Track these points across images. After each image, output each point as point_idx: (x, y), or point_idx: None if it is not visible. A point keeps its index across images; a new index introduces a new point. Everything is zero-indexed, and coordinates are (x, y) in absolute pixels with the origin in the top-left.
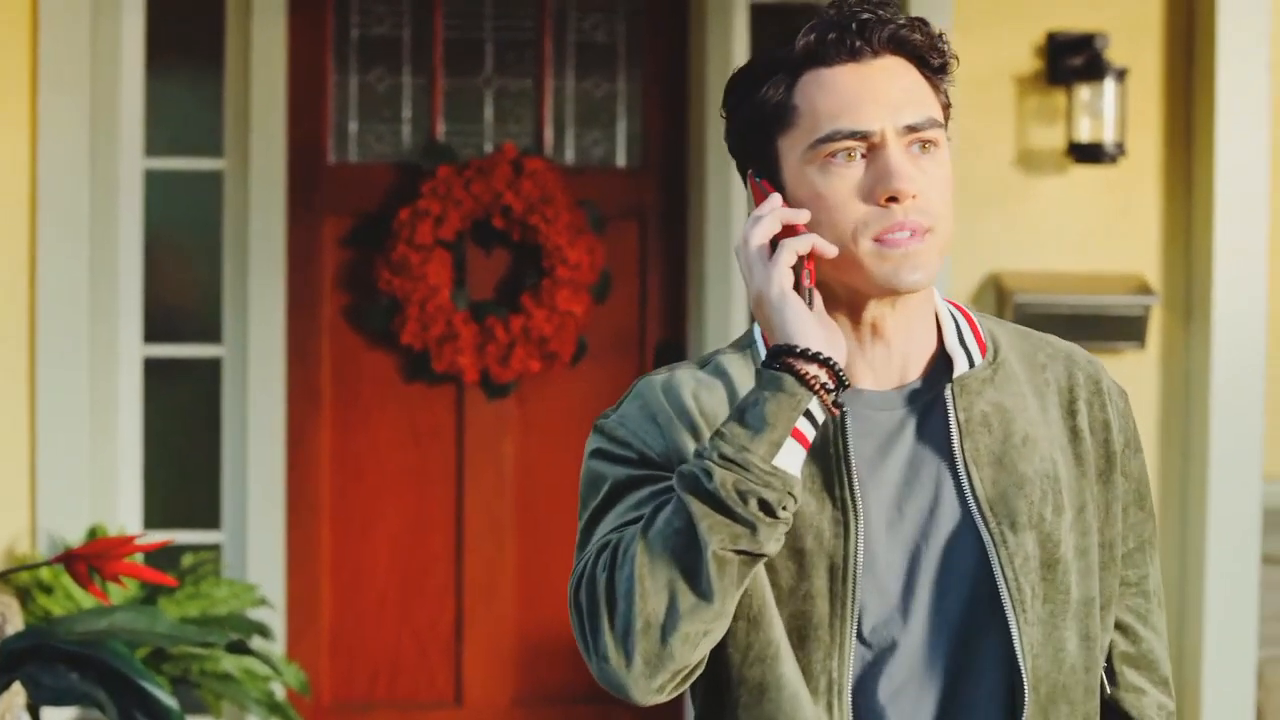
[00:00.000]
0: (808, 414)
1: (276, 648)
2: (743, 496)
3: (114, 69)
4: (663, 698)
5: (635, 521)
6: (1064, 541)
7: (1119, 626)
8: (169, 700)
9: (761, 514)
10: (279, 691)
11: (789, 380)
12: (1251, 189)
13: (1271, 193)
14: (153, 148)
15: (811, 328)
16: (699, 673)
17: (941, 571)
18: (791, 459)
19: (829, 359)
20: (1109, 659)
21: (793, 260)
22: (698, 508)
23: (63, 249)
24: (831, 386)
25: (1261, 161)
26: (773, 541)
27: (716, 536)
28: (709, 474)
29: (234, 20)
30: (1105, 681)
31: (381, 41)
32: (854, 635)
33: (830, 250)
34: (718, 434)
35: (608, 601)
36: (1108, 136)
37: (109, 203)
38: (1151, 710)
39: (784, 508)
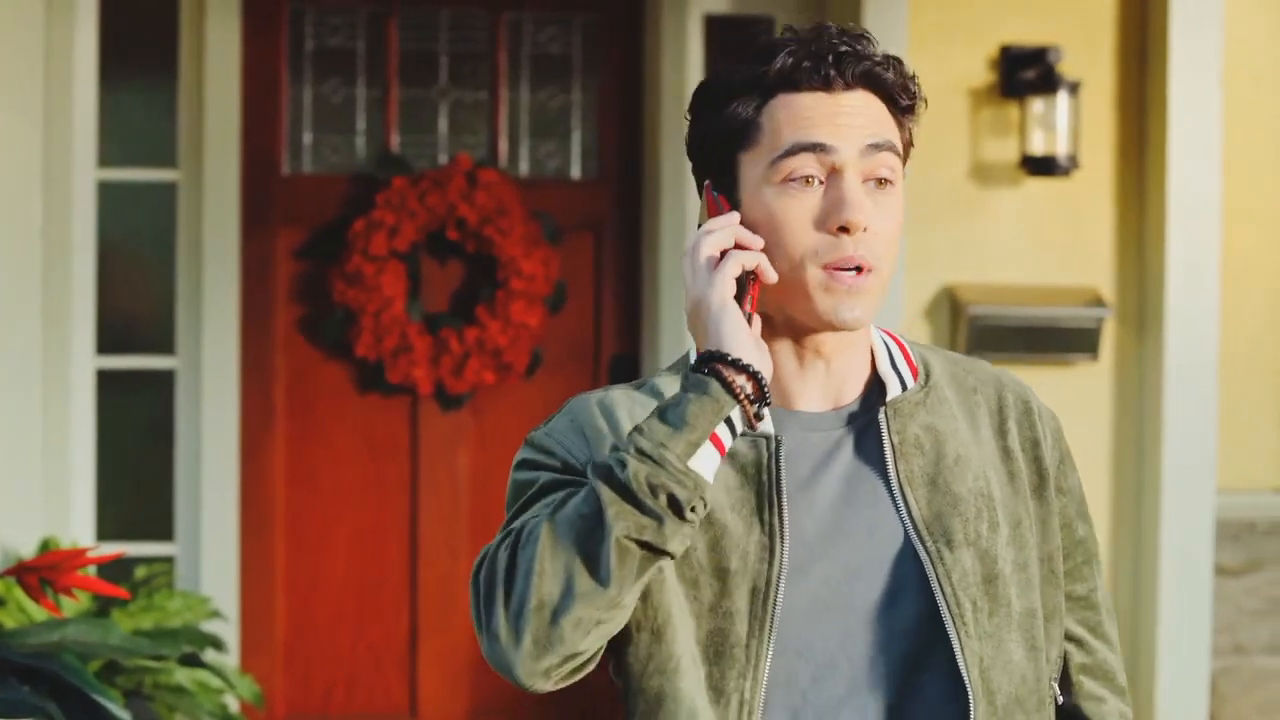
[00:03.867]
0: (728, 422)
1: (230, 660)
2: (653, 490)
3: (67, 80)
4: (549, 685)
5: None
6: (1001, 556)
7: (1072, 639)
8: (122, 713)
9: (670, 510)
10: (233, 704)
11: (714, 385)
12: (1204, 202)
13: (1224, 206)
14: (106, 159)
15: (745, 340)
16: (590, 668)
17: (884, 589)
18: (706, 463)
19: (756, 371)
20: (1066, 671)
21: (738, 271)
22: (607, 494)
23: (15, 260)
24: (755, 398)
25: (1214, 175)
26: (677, 540)
27: (621, 523)
28: (623, 464)
29: (188, 31)
30: (1059, 693)
31: (336, 53)
32: (769, 658)
33: (772, 276)
34: (637, 429)
35: (505, 579)
36: (1061, 149)
37: (62, 214)
38: (1113, 717)
39: (693, 509)
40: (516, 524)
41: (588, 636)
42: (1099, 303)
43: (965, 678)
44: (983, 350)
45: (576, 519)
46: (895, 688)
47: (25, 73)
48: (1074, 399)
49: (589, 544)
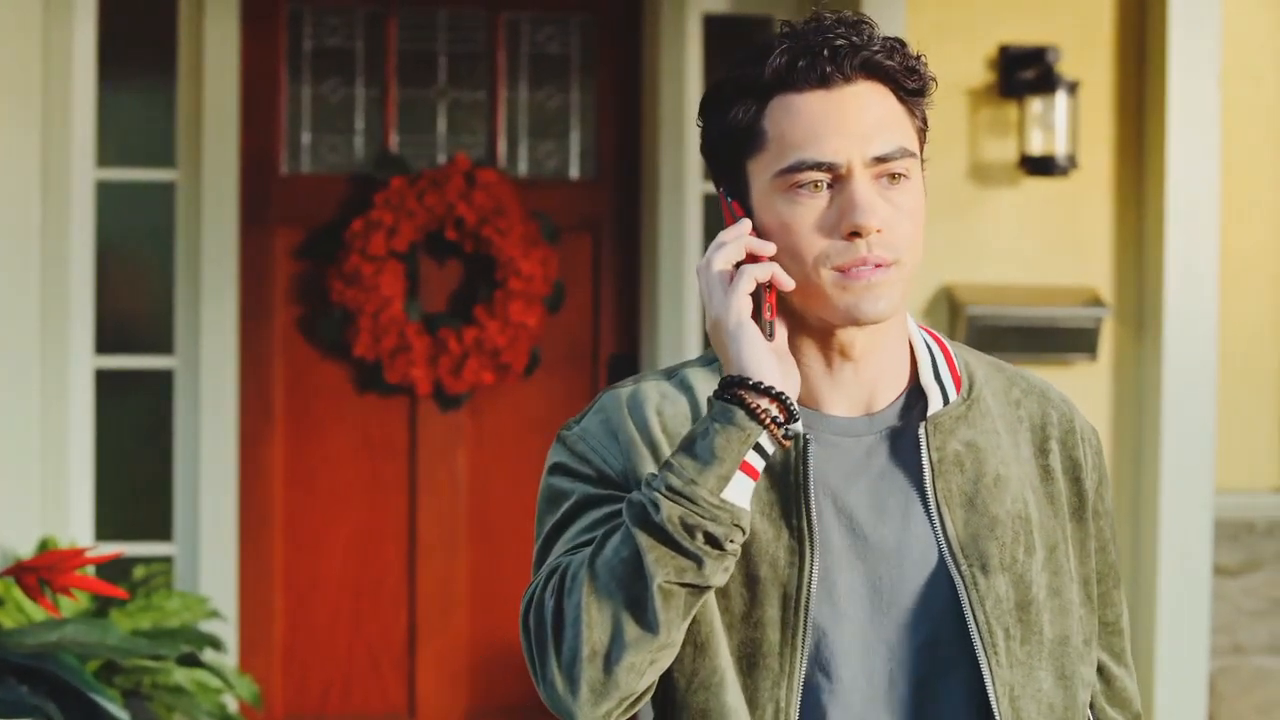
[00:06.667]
0: (758, 446)
1: (229, 660)
2: (689, 530)
3: (66, 79)
4: None
5: (589, 544)
6: (1036, 582)
7: (1097, 666)
8: (120, 713)
9: (708, 547)
10: (231, 704)
11: (739, 414)
12: (1202, 202)
13: (1222, 206)
14: (105, 159)
15: (766, 360)
16: (647, 698)
17: (909, 606)
18: (740, 491)
19: (780, 393)
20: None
21: (751, 288)
22: (644, 540)
23: (14, 259)
24: (782, 420)
25: (1212, 175)
26: (720, 573)
27: (662, 570)
28: (656, 506)
29: (187, 31)
30: None
31: (335, 53)
32: (803, 666)
33: (788, 283)
34: (666, 465)
35: (554, 628)
36: (1059, 149)
37: (61, 213)
38: None
39: (731, 540)
40: (559, 562)
41: (642, 678)
42: (1097, 302)
43: (995, 708)
44: (980, 351)
45: (617, 564)
46: (916, 706)
47: (24, 73)
48: (1072, 399)
49: (632, 590)
